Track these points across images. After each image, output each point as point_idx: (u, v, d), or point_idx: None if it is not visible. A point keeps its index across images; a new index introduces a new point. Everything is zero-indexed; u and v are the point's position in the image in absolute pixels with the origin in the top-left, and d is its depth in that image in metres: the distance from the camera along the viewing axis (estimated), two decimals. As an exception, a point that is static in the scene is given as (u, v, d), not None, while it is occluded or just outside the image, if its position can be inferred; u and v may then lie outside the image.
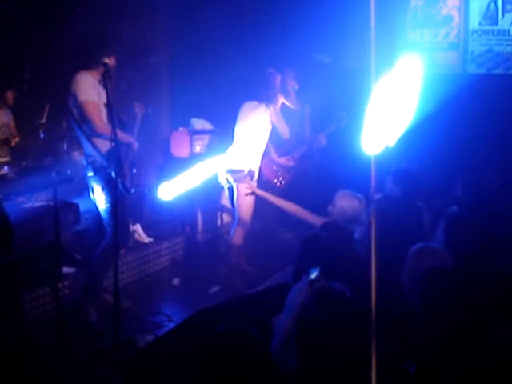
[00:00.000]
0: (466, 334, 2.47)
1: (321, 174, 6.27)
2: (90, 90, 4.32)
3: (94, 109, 4.30)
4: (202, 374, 2.30)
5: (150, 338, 4.29)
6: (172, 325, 4.56)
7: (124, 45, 6.33)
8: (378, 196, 4.30)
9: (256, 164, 5.36)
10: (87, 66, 4.39)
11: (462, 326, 2.49)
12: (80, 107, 4.31)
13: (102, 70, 4.30)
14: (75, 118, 4.40)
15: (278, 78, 5.40)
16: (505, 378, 2.36)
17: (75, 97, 4.32)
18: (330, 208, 4.35)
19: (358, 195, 4.27)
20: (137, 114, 5.01)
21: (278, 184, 6.06)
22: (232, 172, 5.34)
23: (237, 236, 5.37)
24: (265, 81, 5.32)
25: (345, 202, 4.27)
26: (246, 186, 5.23)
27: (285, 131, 5.50)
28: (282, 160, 6.03)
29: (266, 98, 5.27)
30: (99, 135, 4.33)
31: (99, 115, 4.32)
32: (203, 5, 6.53)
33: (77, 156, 5.53)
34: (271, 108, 5.26)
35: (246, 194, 5.24)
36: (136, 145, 4.67)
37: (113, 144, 3.93)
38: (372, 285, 2.24)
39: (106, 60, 4.03)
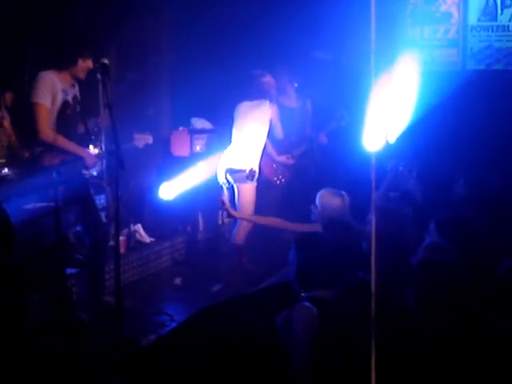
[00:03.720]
0: (459, 327, 2.48)
1: (321, 172, 6.26)
2: (45, 92, 4.18)
3: (43, 113, 4.17)
4: (213, 369, 2.30)
5: (152, 337, 4.29)
6: (174, 324, 4.55)
7: (125, 44, 6.33)
8: (393, 194, 4.29)
9: (256, 163, 5.36)
10: (58, 65, 4.30)
11: (452, 318, 2.50)
12: (29, 108, 4.19)
13: (76, 71, 4.25)
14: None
15: (267, 78, 5.42)
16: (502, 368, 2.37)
17: (29, 95, 4.21)
18: (312, 208, 4.30)
19: (341, 193, 4.22)
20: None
21: (278, 182, 6.05)
22: (232, 172, 5.33)
23: (238, 235, 5.37)
24: (252, 82, 5.36)
25: (326, 202, 4.21)
26: (247, 186, 5.25)
27: (279, 131, 5.60)
28: (282, 158, 6.03)
29: (264, 96, 5.32)
30: (40, 142, 4.20)
31: (47, 121, 4.20)
32: (205, 5, 6.53)
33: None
34: (274, 106, 5.33)
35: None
36: (92, 161, 4.33)
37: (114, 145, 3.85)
38: (372, 283, 2.24)
39: (105, 60, 4.01)
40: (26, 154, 4.78)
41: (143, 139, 4.77)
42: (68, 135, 4.34)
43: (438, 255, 2.97)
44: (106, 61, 3.99)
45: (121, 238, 5.07)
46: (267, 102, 5.34)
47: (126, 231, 5.67)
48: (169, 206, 5.98)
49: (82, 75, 4.35)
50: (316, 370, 2.51)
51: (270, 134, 5.58)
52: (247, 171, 5.26)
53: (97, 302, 4.54)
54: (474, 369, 2.38)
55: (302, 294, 3.04)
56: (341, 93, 6.27)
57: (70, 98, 4.38)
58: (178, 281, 5.58)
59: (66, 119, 4.33)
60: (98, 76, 4.07)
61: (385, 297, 2.33)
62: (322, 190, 4.30)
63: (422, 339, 2.48)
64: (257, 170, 5.35)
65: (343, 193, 4.22)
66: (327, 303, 2.78)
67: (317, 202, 4.28)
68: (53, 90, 4.23)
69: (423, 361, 2.42)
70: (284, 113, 5.74)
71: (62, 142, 4.29)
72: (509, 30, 6.46)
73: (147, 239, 5.94)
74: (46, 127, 4.21)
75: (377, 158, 2.40)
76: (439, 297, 2.58)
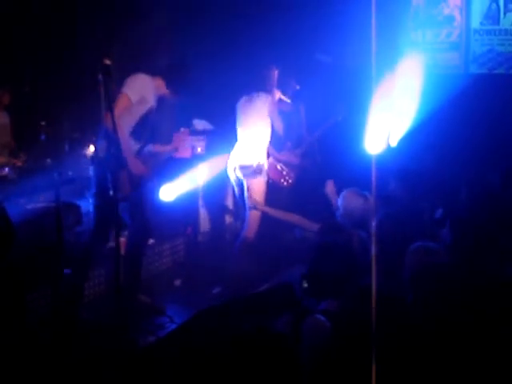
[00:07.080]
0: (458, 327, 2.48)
1: (321, 173, 6.25)
2: (137, 89, 4.47)
3: (123, 103, 4.41)
4: (212, 371, 2.30)
5: (151, 339, 4.29)
6: (174, 326, 4.55)
7: (127, 46, 6.33)
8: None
9: (263, 157, 5.41)
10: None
11: (451, 318, 2.50)
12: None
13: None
14: None
15: (276, 72, 5.44)
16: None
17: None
18: (336, 212, 4.24)
19: (363, 193, 4.14)
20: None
21: (285, 184, 6.00)
22: (241, 167, 5.39)
23: (250, 229, 5.39)
24: (262, 72, 5.39)
25: (349, 204, 4.14)
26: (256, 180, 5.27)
27: (279, 127, 5.60)
28: (284, 156, 5.99)
29: (263, 89, 5.35)
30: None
31: (121, 111, 4.38)
32: (204, 6, 6.54)
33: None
34: (270, 98, 5.34)
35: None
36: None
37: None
38: (372, 285, 2.24)
39: (107, 61, 4.00)
40: (23, 157, 4.81)
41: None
42: (139, 138, 4.55)
43: (428, 257, 2.97)
44: (107, 61, 3.99)
45: (121, 239, 5.05)
46: (264, 94, 5.38)
47: (126, 232, 5.66)
48: (169, 207, 5.98)
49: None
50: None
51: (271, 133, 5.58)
52: (254, 166, 5.31)
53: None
54: (473, 369, 2.38)
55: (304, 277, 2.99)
56: (341, 95, 6.27)
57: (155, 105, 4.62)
58: (178, 282, 5.57)
59: (146, 123, 4.57)
60: (100, 77, 4.07)
61: (388, 299, 2.33)
62: (343, 191, 4.24)
63: (421, 339, 2.48)
64: (265, 164, 5.40)
65: (366, 193, 4.14)
66: (340, 315, 2.74)
67: (339, 203, 4.21)
68: (143, 91, 4.49)
69: (423, 361, 2.42)
70: (280, 113, 5.74)
71: (121, 135, 4.21)
72: (511, 34, 6.45)
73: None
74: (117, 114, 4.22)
75: (378, 160, 2.40)
76: (434, 297, 2.58)
